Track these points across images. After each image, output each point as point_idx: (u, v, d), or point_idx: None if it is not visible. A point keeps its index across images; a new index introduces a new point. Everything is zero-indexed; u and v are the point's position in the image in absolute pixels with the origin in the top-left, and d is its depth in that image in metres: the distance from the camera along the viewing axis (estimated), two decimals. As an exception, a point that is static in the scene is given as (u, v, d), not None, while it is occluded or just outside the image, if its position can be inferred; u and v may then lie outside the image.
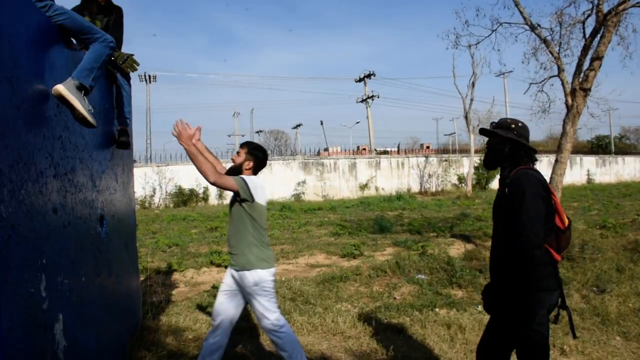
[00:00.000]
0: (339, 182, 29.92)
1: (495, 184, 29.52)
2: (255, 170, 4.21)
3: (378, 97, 42.77)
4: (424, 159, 31.67)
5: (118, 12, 4.64)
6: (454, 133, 66.06)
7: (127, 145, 4.75)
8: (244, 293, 4.05)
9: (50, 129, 2.94)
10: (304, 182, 28.87)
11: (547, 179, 10.76)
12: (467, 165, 29.03)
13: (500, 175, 3.09)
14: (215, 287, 7.03)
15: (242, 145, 4.28)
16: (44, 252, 2.70)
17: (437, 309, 5.86)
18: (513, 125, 3.05)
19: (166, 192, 28.48)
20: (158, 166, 29.21)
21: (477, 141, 29.52)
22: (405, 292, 6.81)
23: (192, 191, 28.30)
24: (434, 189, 30.74)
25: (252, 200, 3.94)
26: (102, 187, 4.04)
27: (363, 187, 30.11)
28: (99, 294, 3.72)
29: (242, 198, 3.93)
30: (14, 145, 2.42)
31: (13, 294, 2.29)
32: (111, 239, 4.16)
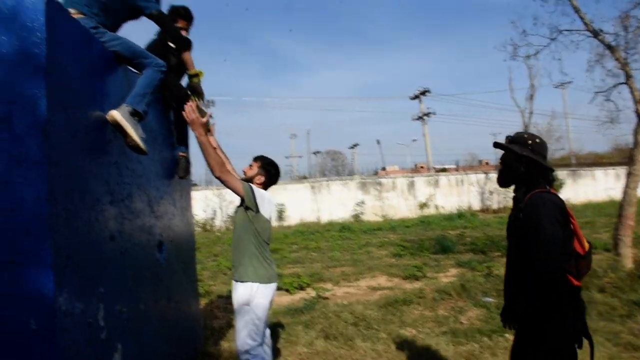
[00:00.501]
0: (398, 201, 29.50)
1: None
2: (266, 186, 4.10)
3: (434, 114, 42.14)
4: (483, 175, 30.89)
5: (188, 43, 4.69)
6: (515, 148, 64.37)
7: (187, 172, 4.76)
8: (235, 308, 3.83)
9: (106, 156, 2.93)
10: (362, 202, 28.61)
11: (619, 191, 10.15)
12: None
13: (515, 194, 2.91)
14: (276, 312, 6.94)
15: (256, 159, 4.16)
16: (101, 280, 2.66)
17: (507, 335, 5.54)
18: (530, 141, 2.84)
19: (227, 214, 28.83)
20: (218, 189, 29.61)
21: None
22: (472, 316, 6.50)
23: (251, 213, 28.56)
24: (495, 206, 29.87)
25: (257, 210, 3.81)
26: (161, 212, 4.02)
27: (422, 205, 29.60)
28: (158, 321, 3.67)
29: (246, 205, 3.81)
30: (69, 173, 2.39)
31: (70, 324, 2.24)
32: (170, 265, 4.12)
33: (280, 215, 28.34)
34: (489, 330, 5.67)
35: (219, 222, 28.73)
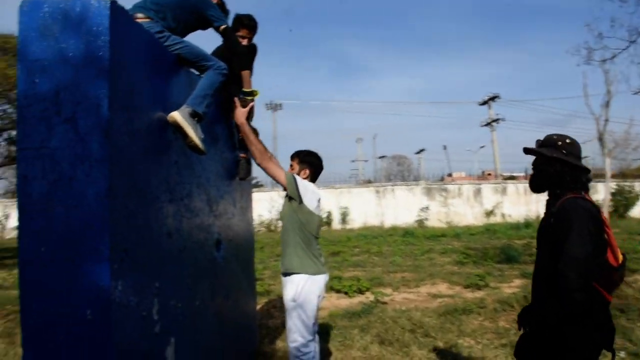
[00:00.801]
0: (464, 208, 28.91)
1: (636, 211, 27.03)
2: (313, 178, 4.06)
3: (503, 120, 41.12)
4: (554, 184, 29.75)
5: (254, 51, 4.77)
6: (587, 157, 61.64)
7: (247, 173, 4.85)
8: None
9: (167, 155, 3.03)
10: (427, 207, 28.22)
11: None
12: (603, 191, 26.90)
13: (548, 199, 2.76)
14: (333, 315, 6.96)
15: (293, 157, 4.15)
16: (158, 275, 2.75)
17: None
18: (560, 143, 2.70)
19: (291, 216, 29.10)
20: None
21: (613, 165, 27.27)
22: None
23: (315, 215, 28.69)
24: (566, 216, 28.75)
25: (300, 201, 3.78)
26: (220, 211, 4.11)
27: (488, 213, 28.86)
28: (214, 318, 3.76)
29: (289, 195, 3.80)
30: (129, 172, 2.49)
31: (124, 316, 2.34)
32: (228, 263, 4.21)
33: (344, 218, 28.38)
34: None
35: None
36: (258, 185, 36.91)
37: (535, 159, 2.81)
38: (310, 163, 4.07)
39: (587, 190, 2.67)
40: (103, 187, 2.28)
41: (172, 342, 2.86)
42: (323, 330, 6.18)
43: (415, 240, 19.00)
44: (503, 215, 28.39)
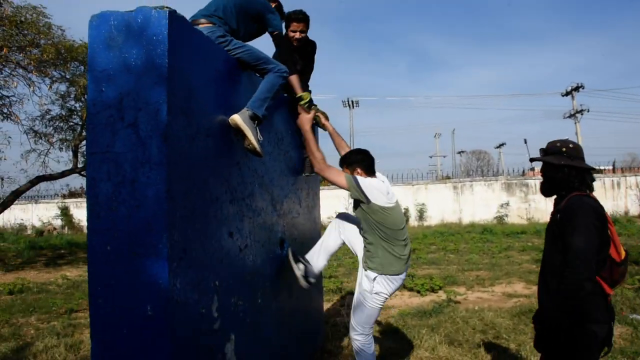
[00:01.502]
0: (545, 204, 27.76)
1: None
2: (367, 173, 3.99)
3: (588, 111, 39.17)
4: (645, 177, 28.15)
5: (312, 46, 4.82)
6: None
7: (313, 170, 4.91)
8: None
9: (228, 157, 3.12)
10: (507, 203, 27.38)
11: None
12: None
13: (555, 199, 2.92)
14: (403, 313, 6.91)
15: (341, 165, 4.14)
16: (218, 274, 2.84)
17: (654, 357, 5.03)
18: (564, 149, 2.86)
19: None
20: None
21: None
22: (615, 334, 5.98)
23: (392, 212, 28.49)
24: (657, 212, 27.10)
25: (368, 201, 3.73)
26: (284, 211, 4.19)
27: (576, 209, 27.65)
28: (276, 316, 3.84)
29: (355, 198, 3.79)
30: (188, 173, 2.59)
31: (182, 313, 2.44)
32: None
33: (421, 215, 28.05)
34: (633, 352, 5.18)
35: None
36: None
37: (543, 166, 2.97)
38: (357, 161, 4.02)
39: (591, 189, 2.83)
40: (162, 189, 2.38)
41: (232, 339, 2.95)
42: (391, 329, 6.16)
43: (494, 238, 18.55)
44: (589, 211, 27.04)
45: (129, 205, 2.41)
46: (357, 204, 3.88)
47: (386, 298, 3.87)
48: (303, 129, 4.14)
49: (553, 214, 2.88)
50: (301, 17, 4.47)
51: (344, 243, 4.20)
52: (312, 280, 4.07)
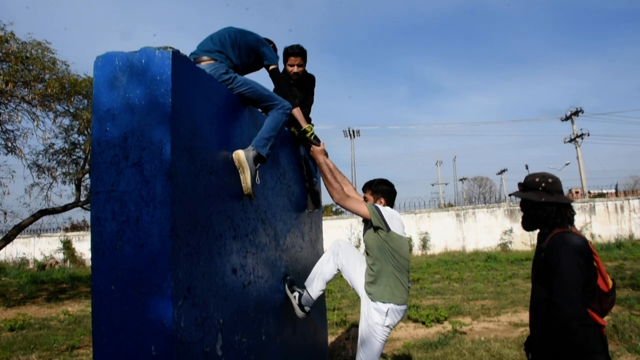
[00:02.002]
0: (550, 231, 27.71)
1: None
2: (389, 204, 4.09)
3: (588, 135, 39.30)
4: (648, 201, 28.03)
5: (311, 79, 4.89)
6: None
7: (316, 204, 4.92)
8: None
9: (230, 193, 3.13)
10: (510, 230, 27.26)
11: None
12: None
13: (538, 235, 2.93)
14: (408, 346, 6.84)
15: (364, 189, 4.21)
16: (222, 311, 2.83)
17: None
18: (543, 184, 2.87)
19: (371, 242, 28.94)
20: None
21: None
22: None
23: (395, 241, 28.33)
24: (663, 237, 26.92)
25: (388, 229, 3.78)
26: (287, 245, 4.18)
27: (578, 234, 27.44)
28: (281, 352, 3.80)
29: (375, 225, 3.80)
30: (192, 210, 2.60)
31: (186, 353, 2.42)
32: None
33: (424, 243, 27.92)
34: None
35: (363, 250, 28.93)
36: (338, 212, 37.05)
37: (522, 201, 2.98)
38: (383, 192, 4.12)
39: (572, 223, 2.84)
40: (166, 227, 2.39)
41: (237, 377, 2.92)
42: (397, 362, 6.09)
43: (498, 265, 18.47)
44: (592, 235, 26.91)
45: (134, 244, 2.42)
46: (370, 230, 3.92)
47: (391, 329, 3.86)
48: (318, 162, 4.19)
49: (537, 252, 2.91)
50: (298, 52, 4.57)
51: (339, 271, 4.18)
52: (307, 309, 4.03)
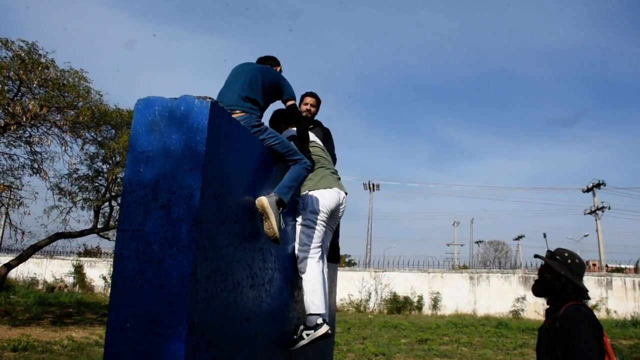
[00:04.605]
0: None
1: None
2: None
3: (609, 209, 38.89)
4: (670, 281, 27.40)
5: (325, 131, 5.07)
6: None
7: (336, 259, 4.97)
8: None
9: (252, 242, 3.18)
10: (523, 298, 26.75)
11: None
12: None
13: (548, 305, 2.98)
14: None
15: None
16: (233, 358, 2.84)
17: None
18: (569, 261, 2.94)
19: (381, 297, 28.64)
20: (375, 271, 29.70)
21: None
22: None
23: (406, 299, 28.02)
24: (684, 318, 26.19)
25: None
26: (301, 297, 4.18)
27: (591, 308, 26.78)
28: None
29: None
30: (214, 257, 2.65)
31: (194, 399, 2.43)
32: (304, 348, 4.22)
33: (435, 303, 27.52)
34: None
35: (372, 304, 28.60)
36: (351, 264, 36.82)
37: (543, 266, 3.04)
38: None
39: (585, 301, 2.93)
40: (187, 271, 2.44)
41: None
42: None
43: (509, 333, 18.08)
44: (608, 310, 26.25)
45: (154, 284, 2.47)
46: None
47: None
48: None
49: (549, 322, 2.92)
50: (314, 94, 5.12)
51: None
52: (320, 320, 3.82)
